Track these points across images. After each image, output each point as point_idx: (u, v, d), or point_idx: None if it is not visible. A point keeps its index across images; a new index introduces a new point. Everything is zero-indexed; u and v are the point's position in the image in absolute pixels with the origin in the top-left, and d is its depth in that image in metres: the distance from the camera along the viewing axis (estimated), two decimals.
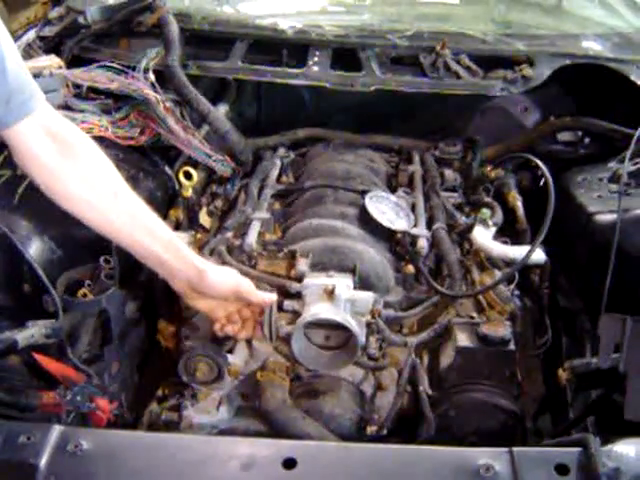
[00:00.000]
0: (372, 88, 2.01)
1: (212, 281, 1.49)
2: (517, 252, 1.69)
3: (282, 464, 1.20)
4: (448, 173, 2.05)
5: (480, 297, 1.71)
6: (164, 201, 1.95)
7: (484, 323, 1.60)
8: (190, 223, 1.93)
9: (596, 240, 1.73)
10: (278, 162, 2.11)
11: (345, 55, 2.09)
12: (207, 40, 2.16)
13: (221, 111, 2.14)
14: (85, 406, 1.51)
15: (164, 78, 1.97)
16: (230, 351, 1.71)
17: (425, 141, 2.23)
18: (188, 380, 1.60)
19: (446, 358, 1.62)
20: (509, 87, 2.02)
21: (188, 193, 1.86)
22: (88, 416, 1.55)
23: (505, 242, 1.85)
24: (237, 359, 1.69)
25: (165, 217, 1.94)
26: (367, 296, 1.58)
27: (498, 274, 1.76)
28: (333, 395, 1.60)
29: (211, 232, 1.90)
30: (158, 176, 1.96)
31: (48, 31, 2.22)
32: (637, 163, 1.87)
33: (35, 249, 1.66)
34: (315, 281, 1.59)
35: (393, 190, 2.02)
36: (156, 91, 1.91)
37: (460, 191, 2.07)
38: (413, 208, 1.91)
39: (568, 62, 2.07)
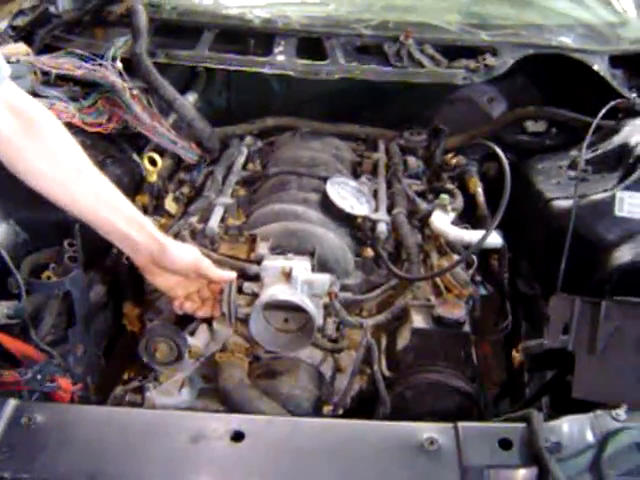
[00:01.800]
0: (337, 76, 2.03)
1: (173, 255, 1.52)
2: (473, 236, 1.72)
3: (230, 437, 1.24)
4: (411, 161, 2.08)
5: (438, 281, 1.74)
6: (131, 187, 1.96)
7: (440, 305, 1.63)
8: (156, 209, 1.96)
9: (552, 225, 1.76)
10: (245, 150, 2.14)
11: (311, 44, 2.11)
12: (176, 30, 2.18)
13: (189, 100, 2.17)
14: (46, 385, 1.54)
15: (132, 66, 1.99)
16: (192, 333, 1.75)
17: (392, 130, 2.26)
18: (148, 361, 1.62)
19: (402, 340, 1.65)
20: (471, 76, 2.04)
21: (153, 179, 1.88)
22: (50, 396, 1.58)
23: (465, 227, 1.89)
24: (198, 341, 1.72)
25: (132, 203, 1.97)
26: (324, 278, 1.60)
27: (456, 257, 1.80)
28: (291, 376, 1.63)
29: (176, 217, 1.92)
30: (125, 163, 1.98)
31: (21, 21, 2.23)
32: (595, 150, 1.91)
33: (0, 232, 1.69)
34: (273, 263, 1.61)
35: (357, 177, 2.05)
36: (123, 79, 1.93)
37: (424, 178, 2.10)
38: (375, 194, 1.94)
39: (531, 52, 2.10)
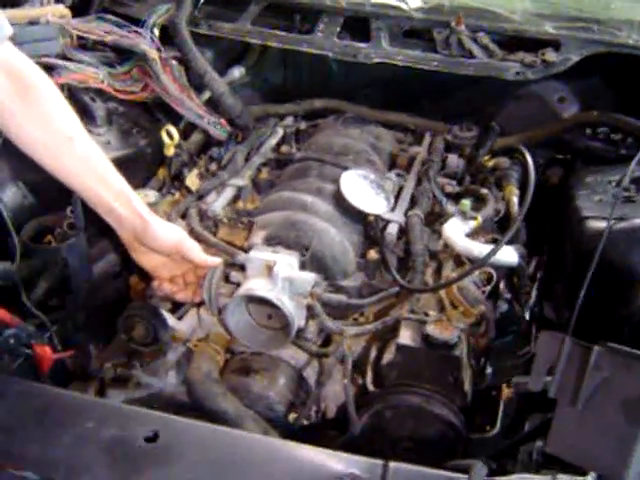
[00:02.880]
0: (375, 61, 1.88)
1: (155, 233, 1.46)
2: (484, 250, 1.54)
3: (144, 437, 1.17)
4: (452, 159, 1.90)
5: (443, 295, 1.59)
6: (156, 159, 1.93)
7: (431, 323, 1.48)
8: (177, 183, 1.91)
9: (583, 248, 1.55)
10: (280, 131, 2.04)
11: (358, 24, 1.98)
12: (226, 1, 2.11)
13: (235, 74, 2.10)
14: (21, 351, 1.54)
15: (170, 35, 1.94)
16: (180, 317, 1.70)
17: (445, 123, 2.08)
18: (126, 339, 1.59)
19: (389, 354, 1.52)
20: (525, 72, 1.83)
21: (170, 152, 1.83)
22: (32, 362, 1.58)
23: (493, 240, 1.71)
24: (184, 326, 1.67)
25: (154, 175, 1.94)
26: (307, 277, 1.49)
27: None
28: (266, 375, 1.55)
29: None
30: (153, 133, 1.94)
31: None
32: None
33: (8, 194, 1.70)
34: (259, 255, 1.52)
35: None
36: (158, 47, 1.89)
37: (467, 179, 1.92)
38: (400, 192, 1.79)
39: (601, 50, 1.85)
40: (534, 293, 1.71)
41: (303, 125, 2.12)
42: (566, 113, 2.07)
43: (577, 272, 1.57)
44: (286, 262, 1.51)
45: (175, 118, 2.03)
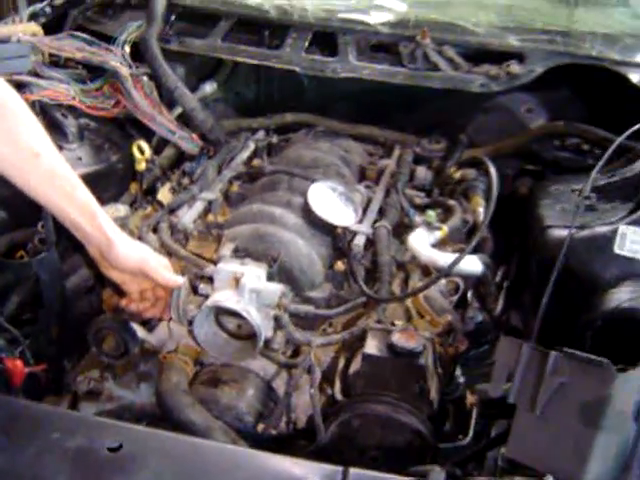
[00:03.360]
0: (342, 75, 1.92)
1: (118, 252, 1.47)
2: (449, 259, 1.56)
3: (108, 447, 1.18)
4: (420, 171, 1.93)
5: (409, 304, 1.61)
6: (127, 174, 1.95)
7: (397, 332, 1.50)
8: (148, 198, 1.93)
9: (545, 256, 1.58)
10: (252, 145, 2.07)
11: (325, 39, 2.01)
12: (198, 17, 2.14)
13: (207, 90, 2.13)
14: None
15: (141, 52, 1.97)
16: (151, 330, 1.72)
17: (415, 136, 2.11)
18: (96, 352, 1.61)
19: (356, 364, 1.54)
20: (490, 84, 1.86)
21: (141, 167, 1.86)
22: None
23: (461, 250, 1.73)
24: (154, 338, 1.69)
25: (127, 190, 1.96)
26: (274, 288, 1.51)
27: (441, 282, 1.65)
28: (235, 386, 1.56)
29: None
30: (124, 149, 1.96)
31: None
32: (613, 176, 1.70)
33: None
34: (226, 267, 1.54)
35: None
36: (128, 64, 1.91)
37: (436, 191, 1.95)
38: (369, 204, 1.82)
39: (565, 61, 1.89)
40: (501, 302, 1.73)
41: (275, 139, 2.14)
42: (534, 124, 2.10)
43: (541, 280, 1.60)
44: (253, 274, 1.53)
45: (147, 133, 2.05)
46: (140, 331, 1.66)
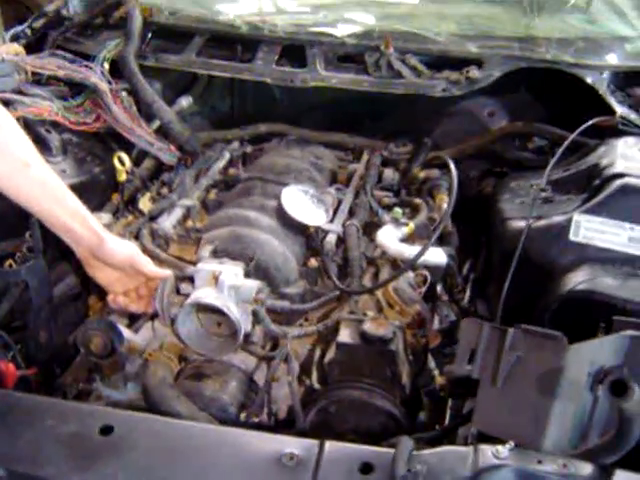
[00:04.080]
0: (310, 84, 2.02)
1: (110, 248, 1.57)
2: (414, 252, 1.66)
3: (100, 429, 1.26)
4: (387, 173, 2.04)
5: (379, 296, 1.70)
6: (110, 185, 2.04)
7: (367, 321, 1.59)
8: (129, 207, 2.01)
9: (505, 247, 1.68)
10: (227, 154, 2.16)
11: (295, 52, 2.11)
12: (173, 34, 2.24)
13: (183, 104, 2.23)
14: None
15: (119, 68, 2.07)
16: (137, 330, 1.80)
17: (383, 141, 2.22)
18: (84, 352, 1.68)
19: (330, 353, 1.62)
20: (451, 88, 1.98)
21: (122, 178, 1.94)
22: None
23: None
24: (139, 338, 1.76)
25: (109, 200, 2.05)
26: (252, 284, 1.60)
27: (409, 275, 1.75)
28: (218, 380, 1.64)
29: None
30: (106, 161, 2.05)
31: (39, 23, 2.36)
32: (568, 170, 1.81)
33: None
34: (205, 267, 1.63)
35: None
36: (108, 80, 2.00)
37: (403, 191, 2.05)
38: (339, 205, 1.92)
39: (522, 65, 2.00)
40: (468, 293, 1.83)
41: (249, 149, 2.23)
42: (496, 127, 2.21)
43: (502, 270, 1.70)
44: (231, 272, 1.62)
45: (128, 146, 2.14)
46: (126, 332, 1.74)
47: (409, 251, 1.67)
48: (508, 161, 2.16)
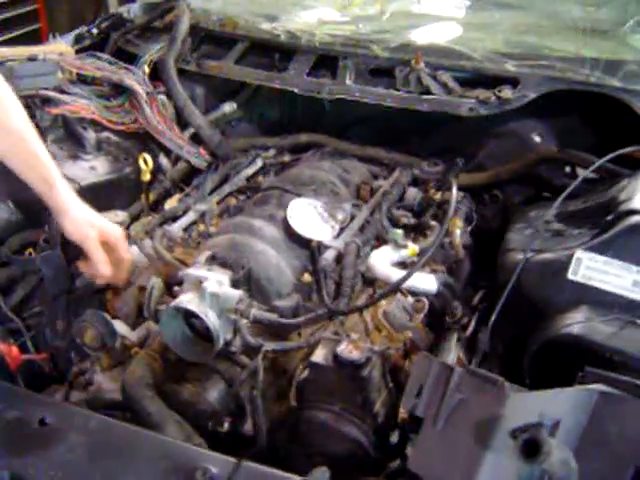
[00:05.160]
0: (336, 96, 1.99)
1: (68, 224, 1.65)
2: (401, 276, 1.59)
3: (39, 421, 1.31)
4: (410, 192, 1.96)
5: (367, 318, 1.65)
6: (139, 184, 2.10)
7: (344, 342, 1.54)
8: (157, 208, 2.07)
9: (502, 278, 1.58)
10: (259, 162, 2.16)
11: (329, 63, 2.08)
12: (220, 40, 2.27)
13: (225, 109, 2.26)
14: None
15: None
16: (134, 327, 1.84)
17: (421, 159, 2.14)
18: (80, 343, 1.75)
19: (305, 372, 1.59)
20: (479, 108, 1.87)
21: (146, 178, 1.99)
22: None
23: (436, 271, 1.76)
24: (135, 335, 1.81)
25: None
26: (232, 293, 1.60)
27: (405, 300, 1.68)
28: (197, 385, 1.64)
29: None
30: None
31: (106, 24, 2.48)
32: (586, 202, 1.67)
33: None
34: (193, 272, 1.64)
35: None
36: (145, 83, 2.07)
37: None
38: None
39: (560, 87, 1.87)
40: (472, 323, 1.73)
41: (287, 158, 2.23)
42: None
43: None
44: (216, 279, 1.62)
45: (167, 149, 2.21)
46: (121, 328, 1.79)
47: (397, 275, 1.60)
48: (555, 187, 2.03)
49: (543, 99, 1.94)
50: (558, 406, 1.20)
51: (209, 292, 1.60)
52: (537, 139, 2.09)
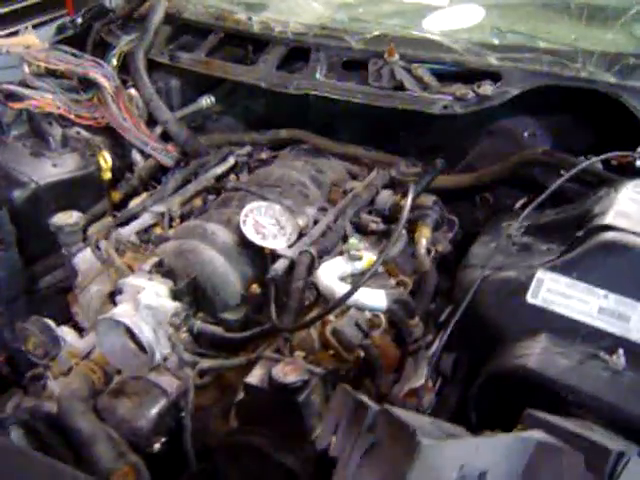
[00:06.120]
0: (303, 92, 1.84)
1: None
2: (345, 291, 1.45)
3: None
4: (382, 195, 1.79)
5: (314, 336, 1.52)
6: (109, 181, 2.01)
7: (281, 363, 1.42)
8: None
9: (456, 297, 1.43)
10: (231, 159, 2.03)
11: (302, 54, 1.94)
12: (196, 30, 2.15)
13: (202, 103, 2.15)
14: None
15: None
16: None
17: (405, 158, 1.98)
18: (24, 350, 1.68)
19: (241, 392, 1.48)
20: (454, 105, 1.70)
21: (106, 176, 1.91)
22: None
23: (404, 283, 1.62)
24: (83, 344, 1.72)
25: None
26: (167, 306, 1.50)
27: (360, 316, 1.54)
28: (135, 400, 1.55)
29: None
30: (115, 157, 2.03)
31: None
32: (560, 213, 1.50)
33: None
34: (131, 281, 1.55)
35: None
36: (113, 77, 1.98)
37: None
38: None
39: (546, 83, 1.68)
40: (436, 343, 1.58)
41: (264, 155, 2.09)
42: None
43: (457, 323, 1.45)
44: (153, 290, 1.52)
45: None
46: (69, 336, 1.71)
47: (342, 290, 1.46)
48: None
49: (536, 95, 1.76)
50: (488, 454, 1.05)
51: (144, 304, 1.50)
52: (531, 138, 1.90)
